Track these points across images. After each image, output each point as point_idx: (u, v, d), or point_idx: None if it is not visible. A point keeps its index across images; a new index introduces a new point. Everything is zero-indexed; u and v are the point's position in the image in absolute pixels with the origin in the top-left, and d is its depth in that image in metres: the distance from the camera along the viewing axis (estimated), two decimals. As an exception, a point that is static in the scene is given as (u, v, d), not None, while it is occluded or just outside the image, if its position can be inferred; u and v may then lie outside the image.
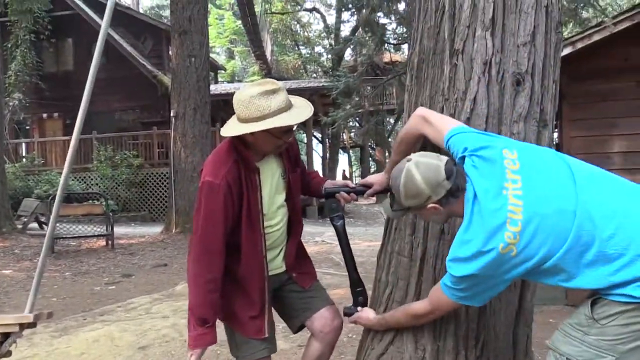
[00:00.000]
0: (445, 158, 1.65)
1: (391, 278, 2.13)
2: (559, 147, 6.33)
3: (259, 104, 1.91)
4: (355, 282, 2.21)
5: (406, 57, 17.27)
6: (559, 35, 2.16)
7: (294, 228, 2.24)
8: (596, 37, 5.05)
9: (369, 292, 2.26)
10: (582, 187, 1.54)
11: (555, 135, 5.95)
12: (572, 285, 1.54)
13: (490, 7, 1.98)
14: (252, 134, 1.95)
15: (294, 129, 2.23)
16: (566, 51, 5.03)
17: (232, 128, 1.99)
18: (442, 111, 2.02)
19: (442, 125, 1.82)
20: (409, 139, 2.00)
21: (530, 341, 2.20)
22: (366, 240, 10.08)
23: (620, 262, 1.46)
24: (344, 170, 29.45)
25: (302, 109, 2.03)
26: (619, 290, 1.47)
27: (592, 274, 1.49)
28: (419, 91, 2.16)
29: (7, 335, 2.40)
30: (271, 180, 2.12)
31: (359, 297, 2.20)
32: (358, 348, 2.32)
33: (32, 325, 2.50)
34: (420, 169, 1.61)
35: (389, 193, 1.71)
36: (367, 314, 2.12)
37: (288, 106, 1.97)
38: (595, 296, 1.54)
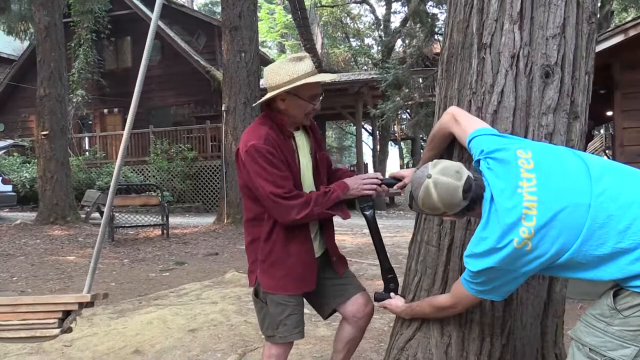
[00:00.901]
0: (465, 175, 1.65)
1: (420, 267, 2.20)
2: (613, 139, 6.12)
3: (288, 68, 2.09)
4: (387, 270, 2.29)
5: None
6: (592, 25, 2.14)
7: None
8: (649, 25, 4.87)
9: (400, 280, 2.33)
10: (597, 181, 1.56)
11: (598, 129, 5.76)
12: (592, 277, 1.56)
13: (519, 0, 2.00)
14: (283, 100, 2.13)
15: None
16: (617, 39, 4.89)
17: (264, 97, 2.16)
18: (469, 104, 2.06)
19: (468, 126, 1.89)
20: (440, 137, 2.08)
21: (560, 332, 2.21)
22: (408, 232, 10.04)
23: (637, 253, 1.48)
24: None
25: (328, 75, 2.21)
26: (639, 281, 1.49)
27: (610, 265, 1.51)
28: (448, 85, 2.21)
29: (67, 314, 2.63)
30: (303, 154, 2.25)
31: (390, 283, 2.28)
32: (390, 334, 2.40)
33: (89, 304, 2.71)
34: (438, 189, 1.64)
35: (409, 197, 1.78)
36: (396, 301, 2.20)
37: (314, 72, 2.13)
38: (617, 287, 1.55)
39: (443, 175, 1.65)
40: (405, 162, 33.62)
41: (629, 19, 5.16)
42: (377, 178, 2.28)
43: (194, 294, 5.24)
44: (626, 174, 1.61)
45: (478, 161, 1.75)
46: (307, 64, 2.11)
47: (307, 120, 2.23)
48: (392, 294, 2.26)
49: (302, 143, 2.27)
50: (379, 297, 2.27)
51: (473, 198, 1.65)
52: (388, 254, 2.33)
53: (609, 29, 5.31)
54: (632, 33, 4.84)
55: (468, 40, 2.11)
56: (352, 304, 2.30)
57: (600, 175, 1.58)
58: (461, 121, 1.93)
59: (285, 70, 2.09)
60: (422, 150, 29.02)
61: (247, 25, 10.89)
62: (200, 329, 3.97)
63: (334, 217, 2.32)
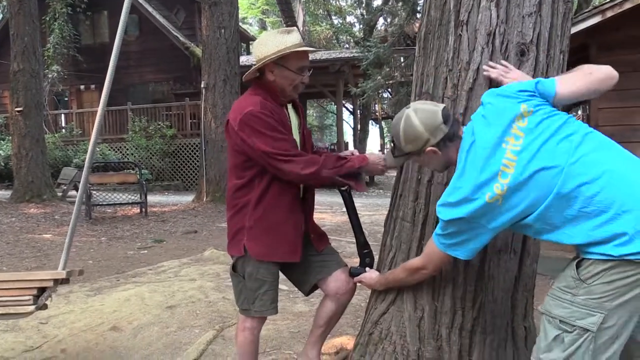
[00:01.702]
0: (442, 105, 1.77)
1: (395, 242, 2.23)
2: (588, 120, 6.21)
3: (276, 40, 2.13)
4: (362, 245, 2.32)
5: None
6: (568, 4, 2.15)
7: (309, 191, 2.35)
8: (628, 5, 4.90)
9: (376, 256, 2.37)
10: (576, 147, 1.59)
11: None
12: (555, 239, 1.62)
13: (496, -22, 2.00)
14: (272, 72, 2.16)
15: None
16: (595, 20, 4.92)
17: (253, 68, 2.18)
18: (445, 82, 2.07)
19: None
20: None
21: (530, 306, 2.27)
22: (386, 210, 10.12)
23: (600, 219, 1.52)
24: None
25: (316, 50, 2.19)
26: (599, 249, 1.53)
27: (574, 229, 1.57)
28: (425, 62, 2.21)
29: (42, 290, 2.61)
30: (293, 129, 2.27)
31: (366, 258, 2.31)
32: (365, 308, 2.44)
33: (65, 281, 2.70)
34: (419, 114, 1.73)
35: (391, 141, 1.83)
36: (370, 274, 2.24)
37: (302, 44, 2.15)
38: (578, 259, 1.61)
39: (421, 104, 1.78)
40: (385, 141, 33.73)
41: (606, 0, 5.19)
42: (352, 154, 2.27)
43: (172, 271, 5.24)
44: (605, 145, 1.64)
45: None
46: (295, 37, 2.14)
47: (295, 93, 2.23)
48: (367, 269, 2.29)
49: (292, 118, 2.28)
50: (355, 272, 2.30)
51: (452, 131, 1.71)
52: (366, 232, 2.35)
53: (587, 10, 5.35)
54: (609, 14, 4.87)
55: (445, 17, 2.11)
56: (334, 280, 2.32)
57: (581, 142, 1.60)
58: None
59: (274, 41, 2.12)
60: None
61: (227, 0, 10.71)
62: (178, 306, 3.98)
63: (315, 195, 2.35)
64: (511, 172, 1.59)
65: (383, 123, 30.73)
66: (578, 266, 1.59)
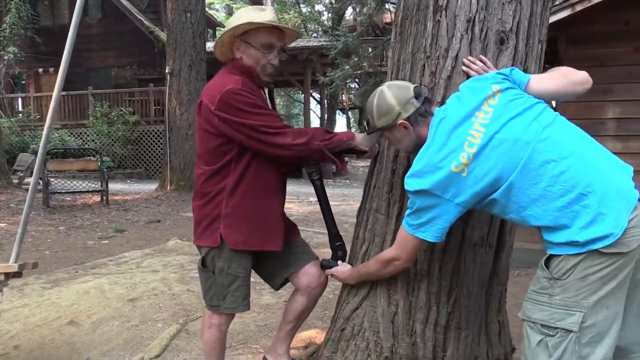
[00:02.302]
0: (415, 84, 1.84)
1: (368, 235, 2.16)
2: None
3: (247, 15, 2.05)
4: (335, 237, 2.24)
5: (408, 17, 16.91)
6: (547, -8, 2.11)
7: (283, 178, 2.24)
8: (596, 0, 4.94)
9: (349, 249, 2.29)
10: (545, 127, 1.59)
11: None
12: (520, 218, 1.61)
13: (477, -38, 1.93)
14: (238, 48, 2.07)
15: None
16: (564, 14, 4.94)
17: (218, 39, 2.11)
18: (423, 69, 2.00)
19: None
20: None
21: (504, 300, 2.24)
22: (357, 200, 10.11)
23: (565, 199, 1.52)
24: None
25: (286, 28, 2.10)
26: (565, 234, 1.52)
27: (538, 209, 1.56)
28: (402, 48, 2.13)
29: (-8, 284, 2.44)
30: None
31: (338, 251, 2.23)
32: (337, 302, 2.36)
33: (17, 274, 2.54)
34: (392, 89, 1.80)
35: (365, 120, 1.83)
36: (343, 268, 2.16)
37: (271, 22, 2.04)
38: (547, 257, 1.58)
39: (395, 82, 1.87)
40: (353, 131, 33.73)
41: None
42: None
43: (134, 262, 5.06)
44: (572, 130, 1.65)
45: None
46: (267, 15, 2.04)
47: (265, 76, 2.10)
48: (339, 262, 2.21)
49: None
50: (326, 265, 2.22)
51: (424, 107, 1.76)
52: (323, 216, 2.27)
53: (557, 3, 5.37)
54: (579, 8, 4.90)
55: (424, 1, 2.03)
56: (305, 274, 2.23)
57: (550, 123, 1.61)
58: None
59: (244, 17, 2.04)
60: (369, 121, 29.11)
61: (194, -17, 10.43)
62: (140, 299, 3.83)
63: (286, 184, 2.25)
64: (477, 142, 1.60)
65: (350, 113, 30.76)
66: (547, 265, 1.58)
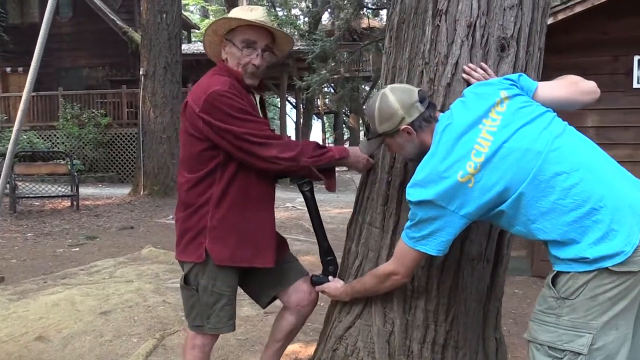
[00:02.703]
0: (418, 89, 1.71)
1: (361, 249, 2.05)
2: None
3: (237, 14, 1.94)
4: (326, 251, 2.12)
5: (384, 23, 17.02)
6: (547, -1, 2.05)
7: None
8: (578, 9, 4.96)
9: (339, 262, 2.18)
10: (556, 137, 1.53)
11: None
12: (528, 232, 1.54)
13: (477, -35, 1.85)
14: (224, 49, 1.98)
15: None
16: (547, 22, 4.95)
17: (204, 37, 2.03)
18: (421, 75, 1.91)
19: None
20: None
21: (499, 315, 2.16)
22: (337, 207, 10.05)
23: (576, 214, 1.45)
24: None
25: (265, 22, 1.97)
26: (574, 250, 1.45)
27: (547, 223, 1.49)
28: (398, 54, 2.04)
29: (-47, 300, 2.26)
30: None
31: (330, 266, 2.11)
32: (325, 319, 2.25)
33: (-19, 289, 2.36)
34: (395, 93, 1.68)
35: (365, 126, 1.77)
36: (335, 284, 2.05)
37: (254, 21, 1.93)
38: (553, 274, 1.51)
39: (397, 85, 1.76)
40: (327, 136, 33.82)
41: (557, 2, 5.25)
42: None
43: (106, 271, 4.86)
44: (583, 141, 1.59)
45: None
46: (253, 14, 1.92)
47: (249, 78, 1.98)
48: (330, 277, 2.10)
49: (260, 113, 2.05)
50: (317, 281, 2.10)
51: (429, 113, 1.65)
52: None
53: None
54: (560, 17, 4.91)
55: (422, 5, 1.95)
56: (295, 291, 2.10)
57: (560, 133, 1.55)
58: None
59: (231, 15, 1.95)
60: (344, 125, 29.29)
61: (169, -16, 10.23)
62: (114, 311, 3.65)
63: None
64: (485, 151, 1.52)
65: (325, 118, 30.76)
66: (554, 283, 1.50)
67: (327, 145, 1.96)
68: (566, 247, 1.47)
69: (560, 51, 5.24)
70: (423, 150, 1.67)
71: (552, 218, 1.48)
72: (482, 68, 1.85)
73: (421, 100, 1.65)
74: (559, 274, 1.50)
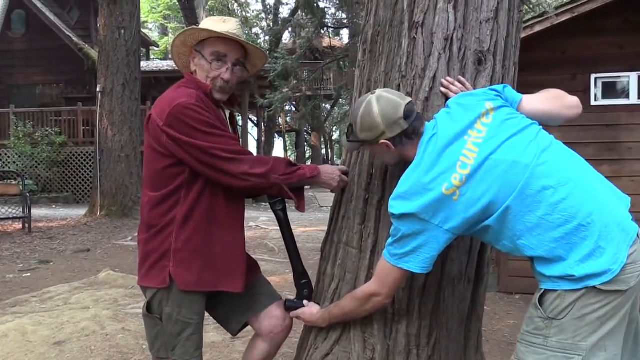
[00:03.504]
0: (409, 99, 1.63)
1: (338, 271, 1.95)
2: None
3: (209, 25, 1.85)
4: (300, 274, 2.01)
5: (345, 43, 17.16)
6: (520, 13, 2.05)
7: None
8: (538, 28, 5.09)
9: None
10: (543, 151, 1.49)
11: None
12: (513, 247, 1.50)
13: (453, -23, 1.81)
14: (193, 60, 1.89)
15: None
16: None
17: (173, 46, 1.94)
18: (398, 89, 1.85)
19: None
20: None
21: (480, 337, 2.09)
22: (301, 226, 9.92)
23: (563, 230, 1.42)
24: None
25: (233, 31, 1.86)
26: (561, 268, 1.42)
27: (534, 239, 1.45)
28: (373, 67, 1.98)
29: None
30: None
31: (304, 289, 2.00)
32: (298, 345, 2.13)
33: None
34: (381, 102, 1.59)
35: (349, 124, 1.70)
36: (311, 309, 1.93)
37: (237, 34, 1.85)
38: (540, 293, 1.47)
39: (387, 93, 1.63)
40: (289, 154, 33.77)
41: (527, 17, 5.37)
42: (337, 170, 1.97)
43: (61, 298, 4.59)
44: (571, 155, 1.56)
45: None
46: (226, 26, 1.83)
47: (218, 93, 1.87)
48: (305, 302, 1.98)
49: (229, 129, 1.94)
50: (291, 305, 1.98)
51: (413, 127, 1.57)
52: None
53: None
54: (521, 36, 5.00)
55: (397, 17, 1.89)
56: (267, 317, 1.97)
57: (547, 147, 1.51)
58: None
59: (206, 27, 1.84)
60: (305, 143, 29.33)
61: (128, -1, 10.03)
62: (69, 341, 3.42)
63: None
64: (471, 163, 1.47)
65: (287, 136, 30.72)
66: (541, 302, 1.45)
67: (297, 163, 1.85)
68: (552, 264, 1.44)
69: (521, 69, 5.34)
70: (402, 160, 1.63)
71: (538, 234, 1.44)
72: (459, 82, 1.80)
73: (407, 116, 1.57)
74: (546, 292, 1.46)
